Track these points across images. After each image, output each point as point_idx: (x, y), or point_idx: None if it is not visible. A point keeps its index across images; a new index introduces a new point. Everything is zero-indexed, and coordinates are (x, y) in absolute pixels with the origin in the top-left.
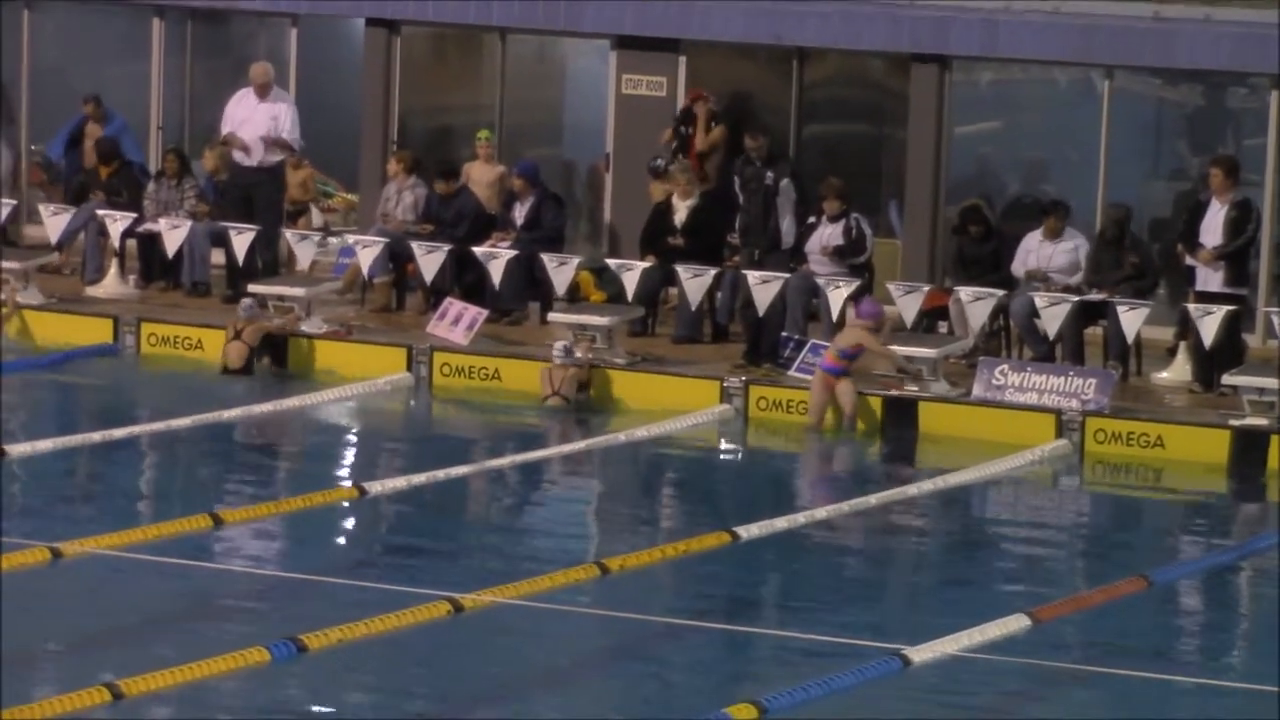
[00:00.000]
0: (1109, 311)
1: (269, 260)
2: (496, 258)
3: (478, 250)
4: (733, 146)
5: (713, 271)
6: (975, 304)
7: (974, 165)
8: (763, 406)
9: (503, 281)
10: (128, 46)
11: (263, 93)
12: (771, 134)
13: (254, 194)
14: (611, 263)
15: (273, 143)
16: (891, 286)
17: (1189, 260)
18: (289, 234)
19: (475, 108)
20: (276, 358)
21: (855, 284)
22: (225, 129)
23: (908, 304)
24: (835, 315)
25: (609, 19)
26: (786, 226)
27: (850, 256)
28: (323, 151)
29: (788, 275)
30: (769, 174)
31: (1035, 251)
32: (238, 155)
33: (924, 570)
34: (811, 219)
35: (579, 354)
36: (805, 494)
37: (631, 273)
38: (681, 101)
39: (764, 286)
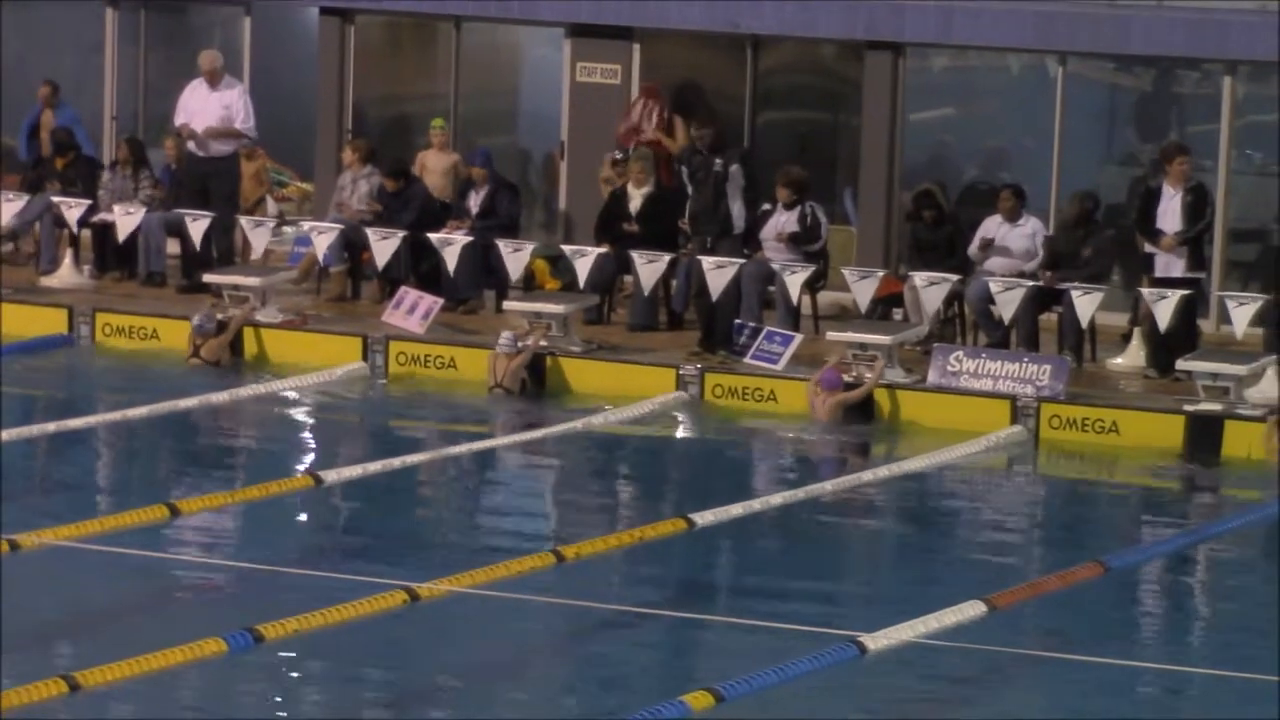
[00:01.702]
0: (1064, 298)
1: (224, 250)
2: (451, 244)
3: (433, 237)
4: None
5: (667, 257)
6: (930, 289)
7: (929, 152)
8: (718, 394)
9: (458, 270)
10: (82, 37)
11: (213, 81)
12: (718, 121)
13: (209, 184)
14: (566, 248)
15: (225, 133)
16: (846, 272)
17: (1148, 247)
18: (243, 220)
19: (430, 96)
20: (231, 347)
21: (811, 269)
22: (179, 119)
23: (862, 289)
24: (794, 300)
25: (563, 7)
26: (737, 212)
27: (805, 244)
28: (278, 140)
29: (743, 261)
30: (718, 161)
31: (994, 235)
32: (191, 145)
33: (880, 557)
34: (766, 205)
35: (528, 342)
36: (761, 481)
37: (585, 259)
38: (635, 91)
39: (718, 272)
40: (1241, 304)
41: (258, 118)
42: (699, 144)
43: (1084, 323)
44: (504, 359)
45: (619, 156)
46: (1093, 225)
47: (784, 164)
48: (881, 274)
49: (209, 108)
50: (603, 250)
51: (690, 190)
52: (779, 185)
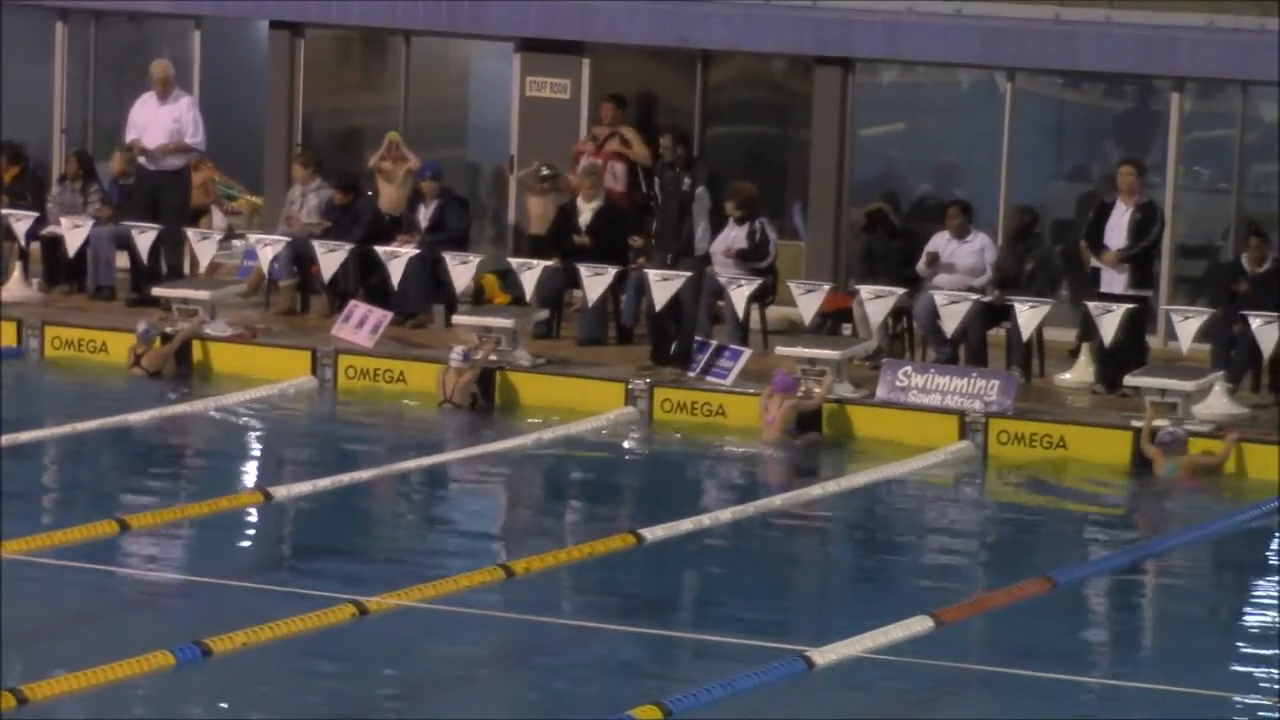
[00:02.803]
0: (1011, 313)
1: (174, 263)
2: (398, 257)
3: (380, 250)
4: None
5: (614, 271)
6: (876, 301)
7: (878, 167)
8: (667, 408)
9: (407, 283)
10: (31, 49)
11: (163, 90)
12: (686, 138)
13: (159, 197)
14: (512, 261)
15: (176, 149)
16: (792, 285)
17: (1094, 262)
18: (190, 233)
19: (380, 109)
20: (179, 359)
21: (758, 283)
22: (130, 135)
23: (807, 303)
24: (741, 314)
25: (513, 21)
26: (701, 233)
27: (753, 260)
28: (227, 154)
29: (688, 274)
30: (686, 180)
31: (942, 250)
32: (142, 159)
33: (828, 572)
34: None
35: (477, 357)
36: (710, 496)
37: (531, 272)
38: (586, 104)
39: (663, 284)
40: (1187, 318)
41: (207, 131)
42: (666, 155)
43: (1025, 335)
44: (454, 374)
45: (546, 172)
46: (1032, 239)
47: (733, 178)
48: (827, 287)
49: (159, 121)
50: (550, 264)
51: (659, 202)
52: (729, 201)
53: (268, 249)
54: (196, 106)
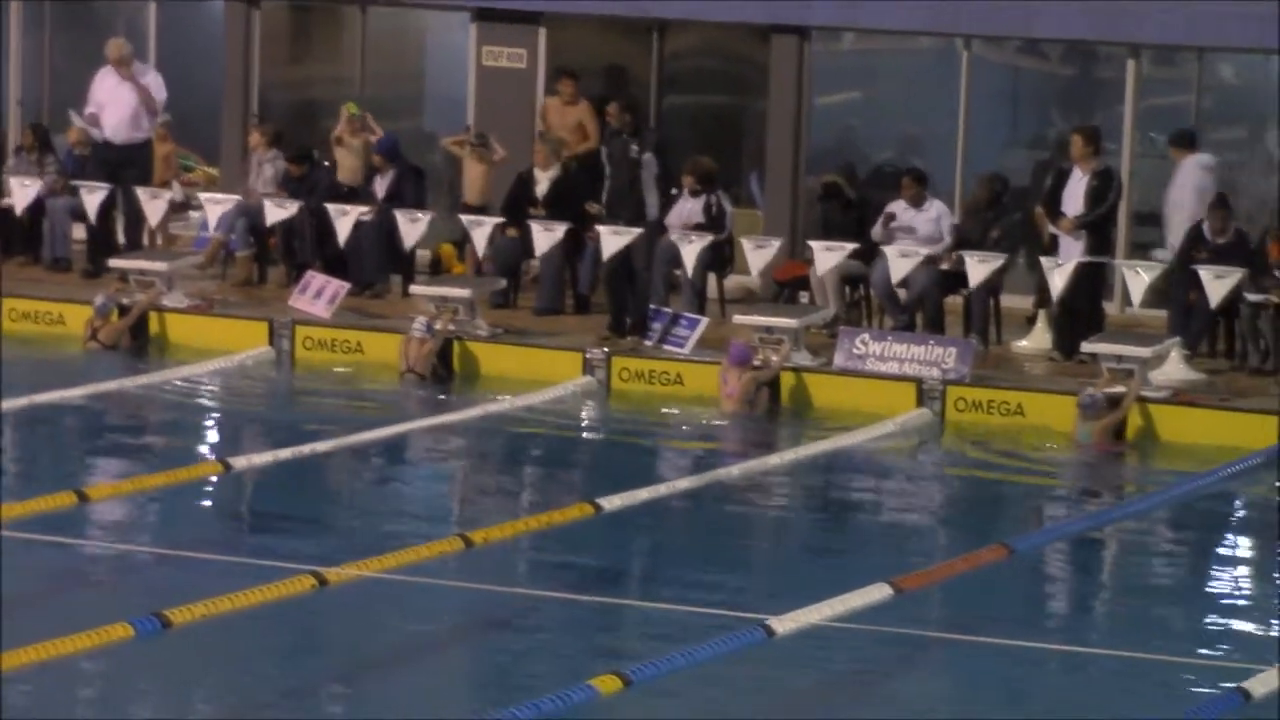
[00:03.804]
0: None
1: (135, 237)
2: (346, 215)
3: (330, 207)
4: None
5: (564, 226)
6: (827, 255)
7: (835, 136)
8: (625, 378)
9: (362, 252)
10: None
11: (122, 69)
12: (634, 106)
13: (120, 171)
14: (463, 218)
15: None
16: (745, 241)
17: (1051, 229)
18: (141, 192)
19: (336, 81)
20: (136, 332)
21: (709, 239)
22: (89, 109)
23: (758, 259)
24: (691, 271)
25: None
26: (652, 200)
27: (709, 233)
28: (184, 126)
29: (639, 231)
30: (634, 147)
31: (899, 217)
32: (109, 131)
33: (786, 540)
34: (675, 190)
35: (439, 327)
36: (668, 465)
37: (483, 228)
38: (542, 73)
39: (614, 238)
40: (1139, 272)
41: (167, 104)
42: (619, 127)
43: (973, 280)
44: (416, 344)
45: (474, 139)
46: (1000, 208)
47: (690, 147)
48: (777, 242)
49: (120, 98)
50: (500, 221)
51: (608, 172)
52: (686, 174)
53: (218, 207)
54: (159, 80)
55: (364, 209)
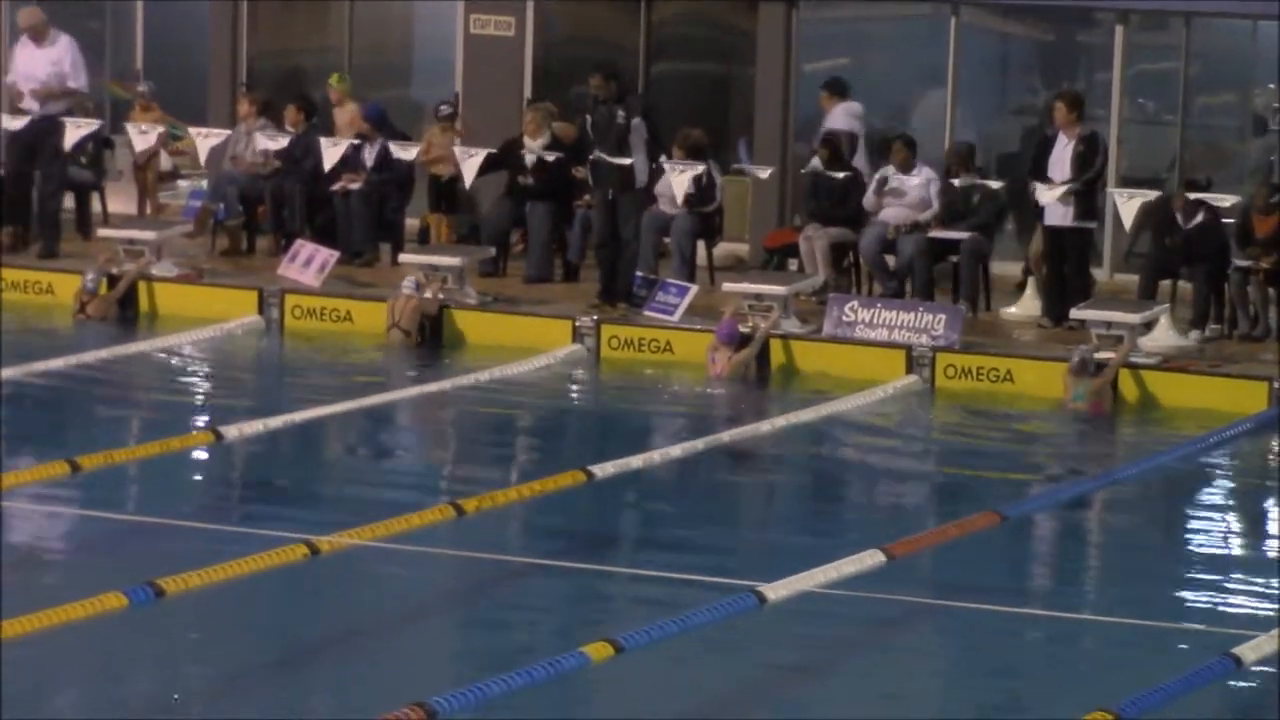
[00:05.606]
0: (960, 247)
1: (53, 210)
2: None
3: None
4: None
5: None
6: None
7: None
8: (615, 345)
9: (350, 220)
10: None
11: (37, 38)
12: (617, 74)
13: (37, 143)
14: (456, 150)
15: (56, 93)
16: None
17: (1037, 195)
18: (130, 127)
19: (324, 49)
20: (126, 302)
21: (699, 167)
22: (9, 78)
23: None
24: (681, 198)
25: None
26: (640, 165)
27: (699, 206)
28: (173, 95)
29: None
30: (620, 112)
31: (889, 183)
32: (27, 103)
33: (778, 507)
34: (664, 156)
35: (429, 294)
36: (659, 433)
37: (474, 159)
38: (530, 41)
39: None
40: (1131, 198)
41: (153, 72)
42: (598, 93)
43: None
44: (404, 299)
45: (445, 110)
46: (973, 174)
47: (679, 116)
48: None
49: (36, 65)
50: (491, 151)
51: (593, 140)
52: (676, 147)
53: (206, 141)
54: (76, 47)
55: (359, 189)
